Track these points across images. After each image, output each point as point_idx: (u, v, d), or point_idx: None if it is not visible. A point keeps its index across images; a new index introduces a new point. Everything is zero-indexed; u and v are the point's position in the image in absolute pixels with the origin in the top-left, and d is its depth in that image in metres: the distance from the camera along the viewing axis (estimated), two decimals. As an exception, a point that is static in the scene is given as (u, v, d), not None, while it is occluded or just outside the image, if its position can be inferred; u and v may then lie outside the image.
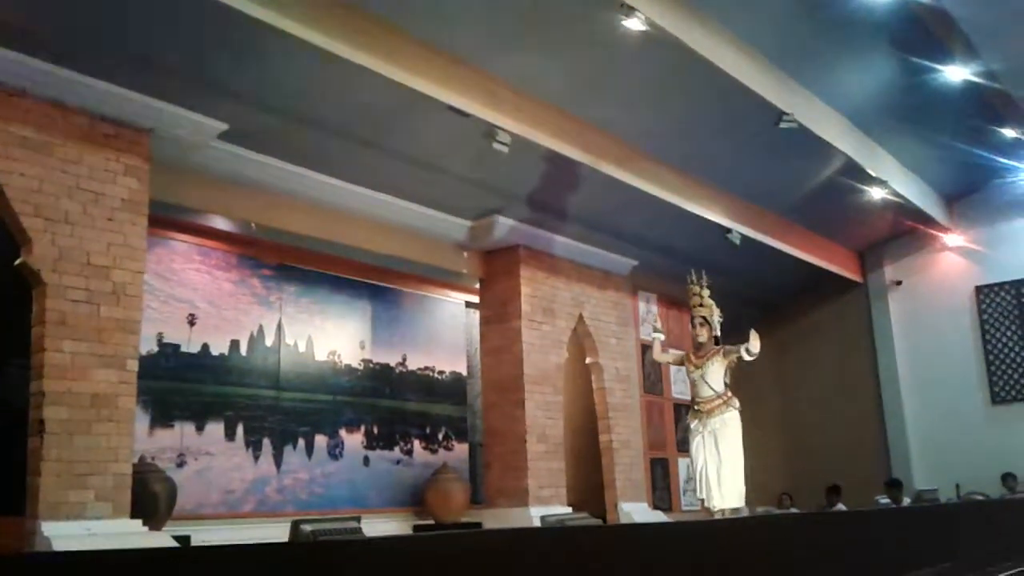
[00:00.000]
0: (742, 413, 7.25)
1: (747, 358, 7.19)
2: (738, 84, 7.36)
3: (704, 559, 3.95)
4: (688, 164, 9.14)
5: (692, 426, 7.28)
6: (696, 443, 7.17)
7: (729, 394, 7.26)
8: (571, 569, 3.18)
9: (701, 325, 7.34)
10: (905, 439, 12.70)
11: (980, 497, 9.87)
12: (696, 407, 7.27)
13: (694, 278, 7.50)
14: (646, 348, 10.60)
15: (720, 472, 7.00)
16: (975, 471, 11.23)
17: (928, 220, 12.03)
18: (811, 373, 13.65)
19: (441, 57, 6.57)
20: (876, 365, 13.17)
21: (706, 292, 7.44)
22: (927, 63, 8.41)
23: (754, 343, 7.09)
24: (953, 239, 12.69)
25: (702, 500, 7.18)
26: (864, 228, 12.36)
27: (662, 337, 7.74)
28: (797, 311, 13.90)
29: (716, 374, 7.22)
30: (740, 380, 13.33)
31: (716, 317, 7.37)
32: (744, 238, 10.21)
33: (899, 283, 13.16)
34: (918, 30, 7.90)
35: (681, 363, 7.65)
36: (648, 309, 11.60)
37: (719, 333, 7.36)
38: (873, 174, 9.87)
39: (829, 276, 12.73)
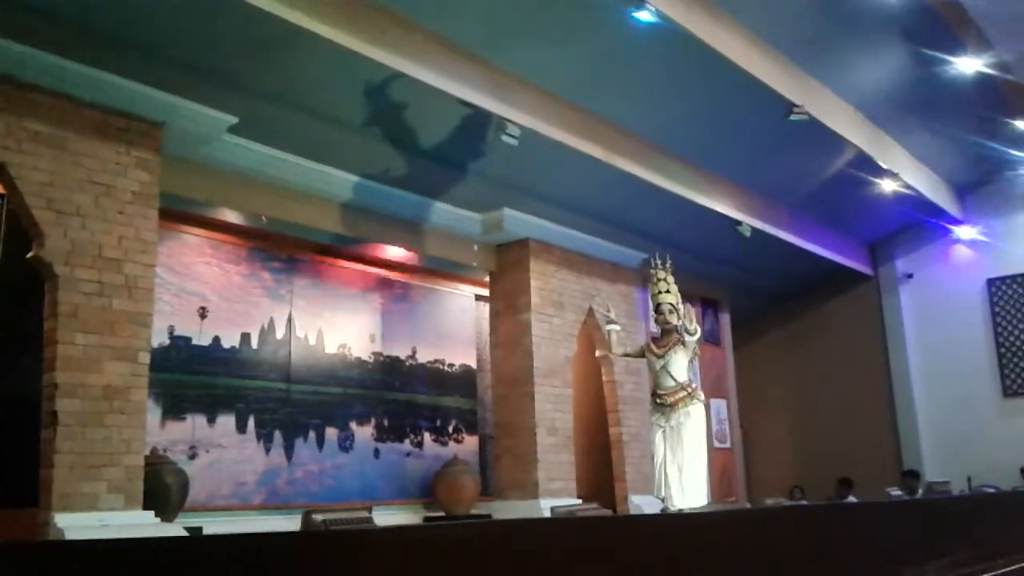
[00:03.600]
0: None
1: (691, 339, 6.68)
2: (748, 76, 7.33)
3: (713, 549, 3.95)
4: (698, 156, 9.13)
5: (654, 419, 6.81)
6: (657, 437, 6.70)
7: (694, 386, 6.81)
8: (582, 558, 3.19)
9: (670, 312, 6.78)
10: (916, 432, 12.69)
11: (991, 489, 9.84)
12: (658, 399, 6.75)
13: (658, 262, 6.97)
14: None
15: (681, 469, 6.53)
16: (987, 464, 11.20)
17: (940, 212, 11.98)
18: (822, 366, 13.63)
19: (450, 49, 6.57)
20: (887, 358, 13.15)
21: (671, 277, 6.89)
22: (939, 54, 8.36)
23: (689, 323, 6.64)
24: (965, 231, 12.64)
25: (661, 499, 6.66)
26: (875, 220, 12.34)
27: (617, 328, 7.25)
28: (808, 304, 13.89)
29: (679, 364, 6.71)
30: (750, 373, 13.47)
31: (681, 304, 6.85)
32: (754, 230, 10.18)
33: (910, 276, 13.13)
34: (930, 21, 7.86)
35: (641, 354, 7.02)
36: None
37: (685, 322, 6.73)
38: (884, 166, 9.83)
39: (840, 269, 12.70)
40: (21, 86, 5.61)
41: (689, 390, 6.71)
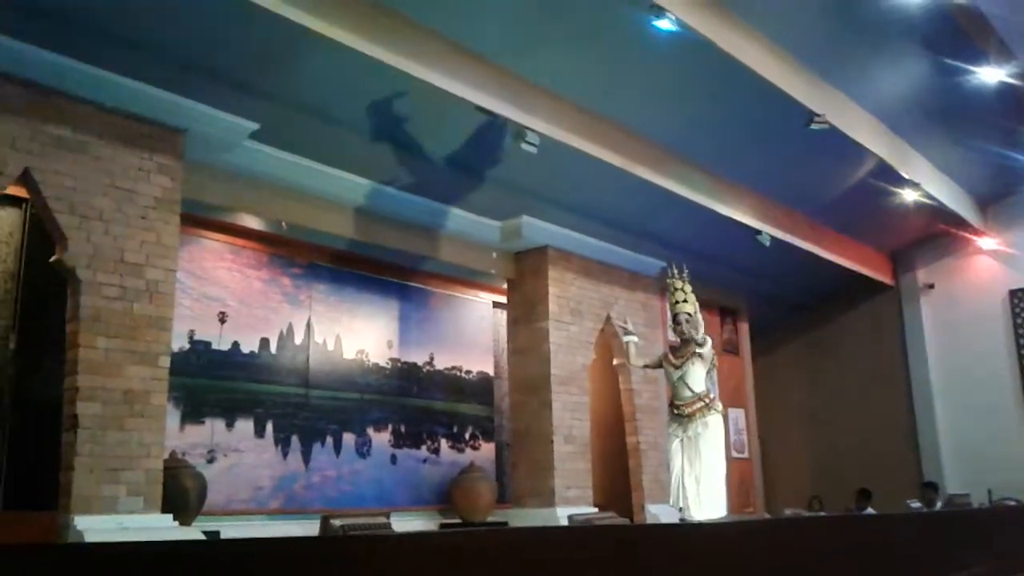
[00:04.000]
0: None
1: (702, 350, 6.70)
2: (769, 85, 7.31)
3: (731, 560, 3.93)
4: (717, 164, 9.10)
5: (670, 430, 6.80)
6: (674, 448, 6.67)
7: (712, 396, 6.77)
8: (598, 567, 3.19)
9: (687, 322, 6.77)
10: (937, 443, 12.58)
11: (1013, 502, 9.74)
12: (676, 410, 6.74)
13: (675, 271, 6.98)
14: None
15: (699, 480, 6.49)
16: (1008, 476, 11.08)
17: (961, 223, 11.89)
18: (841, 376, 13.56)
19: (470, 57, 6.59)
20: (908, 368, 13.06)
21: (688, 287, 6.89)
22: (961, 64, 8.31)
23: (696, 332, 6.68)
24: (987, 242, 12.54)
25: (680, 510, 6.61)
26: (896, 230, 12.25)
27: (636, 339, 7.23)
28: (828, 313, 13.82)
29: (697, 374, 6.70)
30: (769, 383, 13.40)
31: (698, 314, 6.84)
32: (774, 239, 10.14)
33: (931, 286, 13.04)
34: (952, 31, 7.81)
35: (660, 365, 7.04)
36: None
37: (703, 332, 6.81)
38: (905, 176, 9.77)
39: (860, 278, 12.62)
40: (44, 91, 5.67)
41: (707, 400, 6.68)
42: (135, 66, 5.91)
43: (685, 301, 6.84)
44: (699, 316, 6.83)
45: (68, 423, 5.57)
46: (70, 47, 5.63)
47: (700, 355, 6.70)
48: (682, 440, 6.65)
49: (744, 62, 6.97)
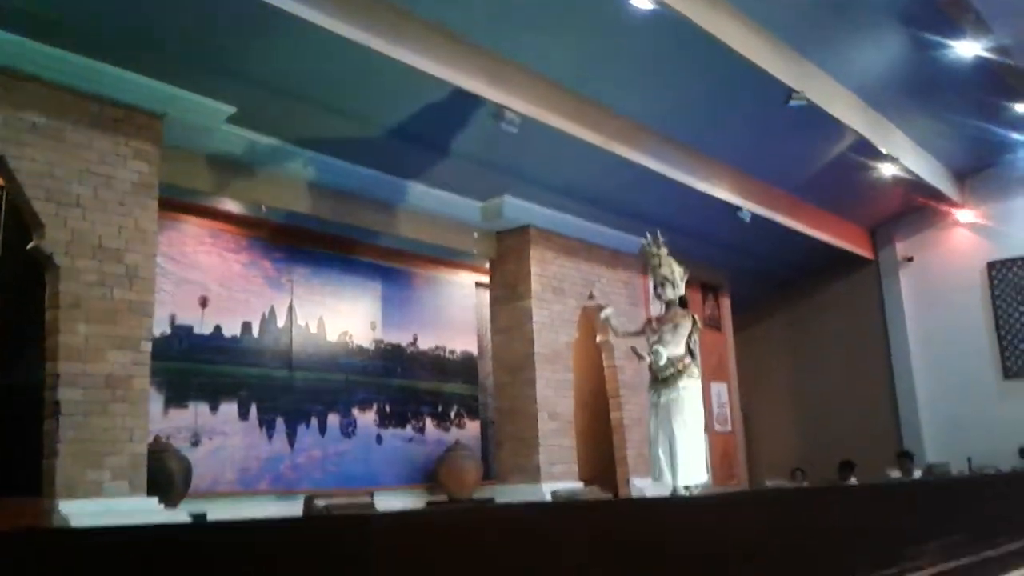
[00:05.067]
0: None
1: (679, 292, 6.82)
2: (747, 62, 7.33)
3: (712, 531, 3.98)
4: (697, 142, 9.13)
5: (649, 398, 6.76)
6: (650, 415, 6.66)
7: (688, 360, 6.67)
8: (583, 540, 3.22)
9: (662, 285, 6.85)
10: (917, 414, 12.75)
11: (991, 471, 9.88)
12: (652, 376, 6.72)
13: (649, 240, 7.01)
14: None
15: (673, 447, 6.41)
16: (987, 445, 11.24)
17: (939, 196, 11.99)
18: (823, 349, 13.69)
19: (449, 37, 6.57)
20: (888, 341, 13.20)
21: (664, 251, 6.92)
22: (938, 39, 8.35)
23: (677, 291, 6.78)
24: (965, 215, 12.65)
25: (656, 479, 6.62)
26: (875, 205, 12.34)
27: (611, 311, 7.26)
28: (808, 288, 13.92)
29: (674, 340, 6.65)
30: (751, 357, 13.50)
31: (679, 275, 6.88)
32: (754, 215, 10.19)
33: (910, 259, 13.15)
34: (928, 5, 7.85)
35: (642, 332, 7.03)
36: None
37: (682, 291, 6.89)
38: (884, 151, 9.83)
39: (840, 253, 12.72)
40: (19, 77, 5.62)
41: (679, 366, 6.60)
42: (110, 51, 5.86)
43: (660, 265, 6.88)
44: (677, 276, 6.85)
45: (50, 409, 5.56)
46: (44, 33, 5.58)
47: (680, 320, 6.69)
48: (656, 407, 6.61)
49: (722, 39, 6.98)
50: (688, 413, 6.54)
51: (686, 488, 6.48)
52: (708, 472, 6.83)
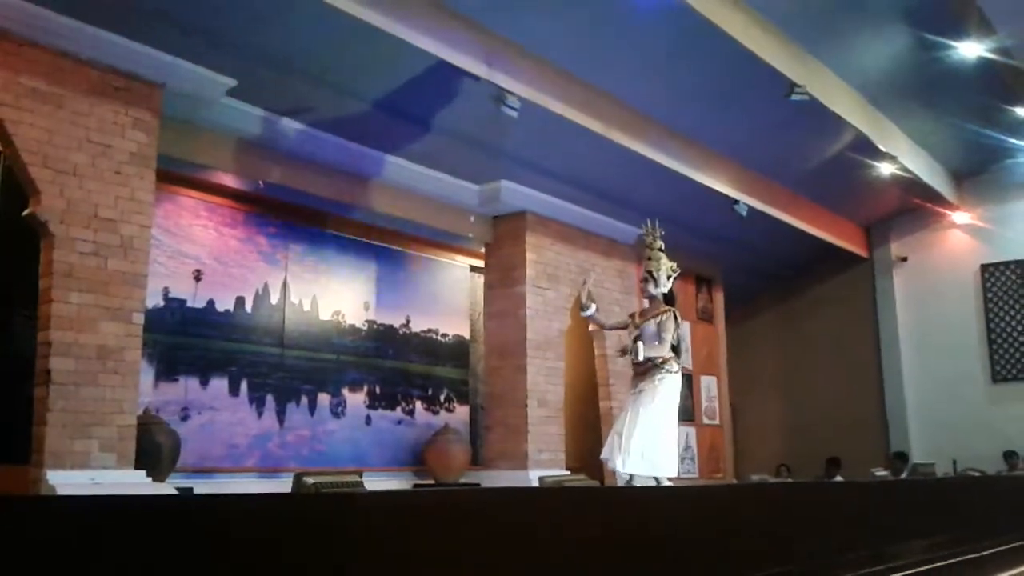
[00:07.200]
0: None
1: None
2: (750, 54, 7.32)
3: (700, 523, 4.00)
4: (697, 133, 9.11)
5: (630, 390, 6.66)
6: (627, 406, 6.56)
7: (667, 356, 6.52)
8: (567, 527, 3.23)
9: (645, 280, 6.77)
10: (905, 414, 12.80)
11: (977, 473, 9.94)
12: (633, 370, 6.65)
13: (649, 228, 6.91)
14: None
15: (632, 433, 6.28)
16: (974, 448, 11.30)
17: (936, 197, 12.00)
18: (814, 346, 13.72)
19: (452, 18, 6.54)
20: (879, 340, 13.23)
21: (658, 244, 6.82)
22: (941, 39, 8.34)
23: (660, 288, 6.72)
24: (960, 217, 12.68)
25: (604, 460, 6.51)
26: (872, 203, 12.35)
27: (594, 306, 7.07)
28: (802, 284, 13.95)
29: (654, 334, 6.55)
30: (742, 351, 13.52)
31: (664, 272, 6.73)
32: (751, 209, 10.19)
33: (905, 259, 13.18)
34: (933, 4, 7.83)
35: (625, 326, 6.93)
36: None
37: (665, 290, 6.77)
38: (883, 149, 9.84)
39: (835, 250, 12.74)
40: (19, 42, 5.58)
41: (657, 361, 6.51)
42: (112, 18, 5.82)
43: (650, 259, 6.84)
44: (663, 274, 6.75)
45: (41, 378, 5.55)
46: (45, -3, 5.54)
47: (662, 316, 6.61)
48: (633, 397, 6.53)
49: (726, 30, 6.97)
50: (659, 404, 6.42)
51: (655, 479, 6.36)
52: (679, 467, 6.68)
